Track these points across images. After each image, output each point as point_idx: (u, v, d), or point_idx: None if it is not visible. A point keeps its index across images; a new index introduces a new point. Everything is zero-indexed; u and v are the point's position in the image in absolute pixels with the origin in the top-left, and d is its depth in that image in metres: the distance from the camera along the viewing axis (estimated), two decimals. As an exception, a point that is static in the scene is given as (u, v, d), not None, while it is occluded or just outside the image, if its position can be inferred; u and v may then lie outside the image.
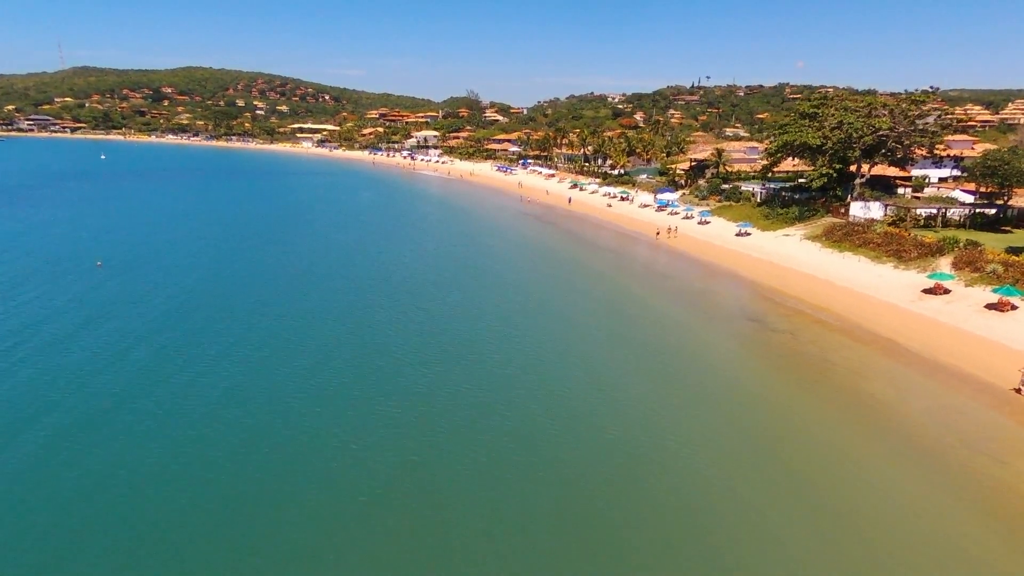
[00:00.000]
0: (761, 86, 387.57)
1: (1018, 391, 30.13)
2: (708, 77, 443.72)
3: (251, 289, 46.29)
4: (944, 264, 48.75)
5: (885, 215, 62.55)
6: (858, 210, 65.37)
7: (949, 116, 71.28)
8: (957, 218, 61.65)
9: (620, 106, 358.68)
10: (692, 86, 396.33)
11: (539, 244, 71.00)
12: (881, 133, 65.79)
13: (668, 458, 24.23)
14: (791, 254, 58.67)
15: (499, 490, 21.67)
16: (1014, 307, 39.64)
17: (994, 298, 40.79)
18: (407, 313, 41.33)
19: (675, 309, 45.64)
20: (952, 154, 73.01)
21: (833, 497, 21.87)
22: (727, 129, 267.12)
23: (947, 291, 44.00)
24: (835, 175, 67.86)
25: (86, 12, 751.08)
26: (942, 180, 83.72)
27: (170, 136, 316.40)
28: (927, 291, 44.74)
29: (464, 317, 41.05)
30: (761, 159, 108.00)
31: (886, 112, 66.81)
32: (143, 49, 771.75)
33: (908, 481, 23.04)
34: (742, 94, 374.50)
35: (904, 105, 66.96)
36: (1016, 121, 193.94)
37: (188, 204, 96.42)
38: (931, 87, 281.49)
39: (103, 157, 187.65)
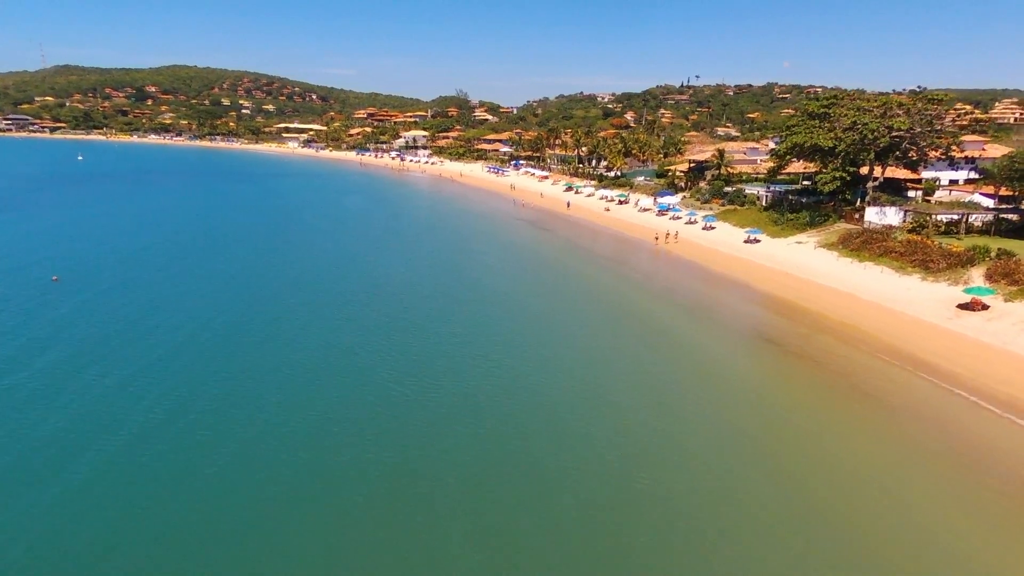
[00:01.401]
0: (750, 85, 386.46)
1: None
2: (697, 76, 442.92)
3: (224, 306, 41.78)
4: (976, 276, 45.12)
5: (904, 221, 58.94)
6: (873, 216, 61.72)
7: (969, 116, 67.79)
8: (979, 224, 58.17)
9: (610, 106, 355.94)
10: (682, 85, 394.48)
11: (536, 253, 66.87)
12: (896, 134, 62.28)
13: (679, 506, 20.96)
14: (807, 264, 54.89)
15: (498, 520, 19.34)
16: (1065, 326, 36.01)
17: (1041, 316, 37.22)
18: (398, 330, 37.12)
19: (684, 327, 41.62)
20: (966, 155, 69.53)
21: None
22: (718, 129, 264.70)
23: (986, 307, 40.31)
24: (848, 178, 64.22)
25: (68, 10, 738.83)
26: (952, 182, 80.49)
27: (153, 136, 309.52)
28: (963, 307, 41.03)
29: (459, 337, 36.83)
30: (764, 161, 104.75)
31: (902, 112, 63.26)
32: (127, 48, 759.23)
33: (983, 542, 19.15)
34: (731, 93, 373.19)
35: (920, 104, 63.46)
36: (1006, 121, 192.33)
37: (165, 209, 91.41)
38: (918, 87, 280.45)
39: (80, 158, 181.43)
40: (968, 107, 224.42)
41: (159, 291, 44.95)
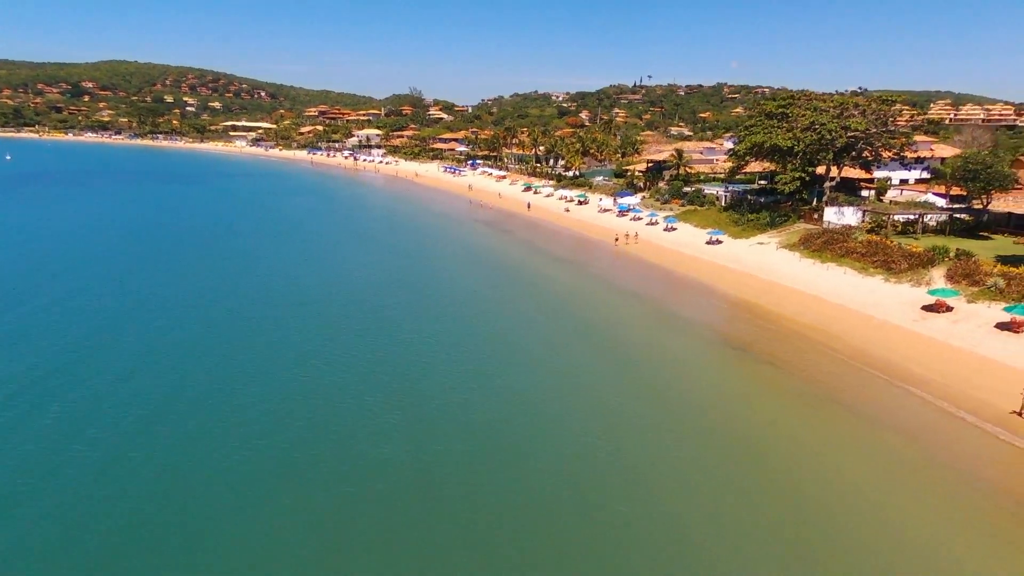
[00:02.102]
0: (700, 86, 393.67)
1: (1019, 413, 27.60)
2: (650, 76, 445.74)
3: (158, 323, 38.44)
4: (937, 276, 45.28)
5: (863, 221, 59.28)
6: (832, 216, 61.96)
7: (922, 117, 68.88)
8: (934, 224, 58.98)
9: (565, 105, 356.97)
10: (634, 85, 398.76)
11: (496, 257, 64.85)
12: (853, 134, 62.70)
13: (645, 528, 19.87)
14: (770, 265, 54.48)
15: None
16: (1030, 327, 36.05)
17: (1005, 317, 37.23)
18: (353, 345, 34.64)
19: (650, 334, 40.24)
20: (918, 155, 70.72)
21: None
22: (672, 128, 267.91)
23: (950, 308, 40.27)
24: (808, 179, 64.38)
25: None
26: (903, 182, 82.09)
27: (89, 134, 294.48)
28: (928, 308, 40.94)
29: (416, 350, 34.57)
30: (721, 160, 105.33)
31: (857, 112, 63.76)
32: (61, 42, 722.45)
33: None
34: (683, 93, 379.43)
35: (875, 105, 64.07)
36: (941, 121, 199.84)
37: (97, 214, 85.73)
38: (859, 88, 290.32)
39: (8, 158, 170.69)
40: (907, 108, 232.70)
41: (88, 312, 41.20)
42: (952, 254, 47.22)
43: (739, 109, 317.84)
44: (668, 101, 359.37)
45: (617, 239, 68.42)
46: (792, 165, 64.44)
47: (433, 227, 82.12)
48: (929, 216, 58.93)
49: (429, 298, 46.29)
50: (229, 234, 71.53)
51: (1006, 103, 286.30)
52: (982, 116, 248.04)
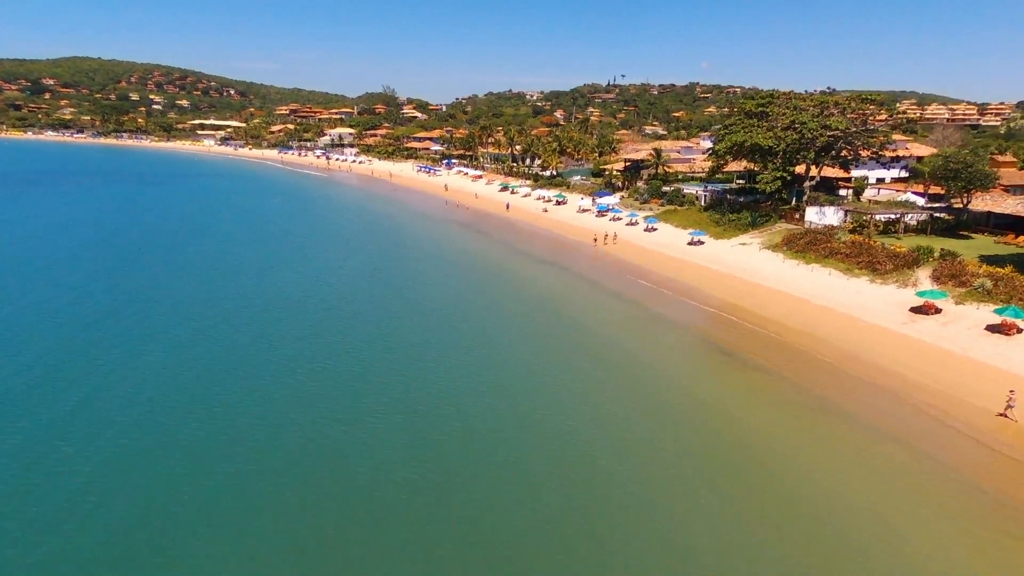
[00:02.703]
0: (673, 85, 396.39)
1: (1003, 415, 27.52)
2: (623, 76, 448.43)
3: (120, 335, 35.98)
4: (923, 277, 44.76)
5: (845, 221, 58.80)
6: (813, 216, 61.47)
7: (900, 116, 68.82)
8: (915, 223, 58.71)
9: (539, 104, 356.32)
10: (608, 84, 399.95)
11: (475, 259, 63.08)
12: (833, 133, 62.24)
13: (635, 540, 18.59)
14: (754, 267, 53.59)
15: None
16: (1020, 330, 35.47)
17: (995, 319, 36.68)
18: (324, 350, 32.68)
19: (634, 340, 38.87)
20: (896, 154, 70.71)
21: None
22: (646, 127, 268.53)
23: (939, 310, 39.66)
24: (788, 178, 63.77)
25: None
26: (879, 181, 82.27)
27: (50, 132, 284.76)
28: (916, 310, 40.27)
29: (394, 358, 32.71)
30: (698, 159, 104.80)
31: (837, 111, 63.34)
32: (21, 37, 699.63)
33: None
34: (656, 92, 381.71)
35: (854, 104, 63.71)
36: (916, 119, 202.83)
37: (53, 217, 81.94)
38: (828, 88, 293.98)
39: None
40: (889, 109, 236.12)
41: (37, 330, 38.48)
42: (937, 254, 46.80)
43: (712, 108, 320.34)
44: (642, 100, 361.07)
45: (596, 240, 67.27)
46: (773, 165, 63.74)
47: (409, 229, 80.00)
48: (910, 215, 58.64)
49: (410, 304, 44.42)
50: (195, 237, 68.60)
51: (969, 103, 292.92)
52: (947, 116, 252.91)
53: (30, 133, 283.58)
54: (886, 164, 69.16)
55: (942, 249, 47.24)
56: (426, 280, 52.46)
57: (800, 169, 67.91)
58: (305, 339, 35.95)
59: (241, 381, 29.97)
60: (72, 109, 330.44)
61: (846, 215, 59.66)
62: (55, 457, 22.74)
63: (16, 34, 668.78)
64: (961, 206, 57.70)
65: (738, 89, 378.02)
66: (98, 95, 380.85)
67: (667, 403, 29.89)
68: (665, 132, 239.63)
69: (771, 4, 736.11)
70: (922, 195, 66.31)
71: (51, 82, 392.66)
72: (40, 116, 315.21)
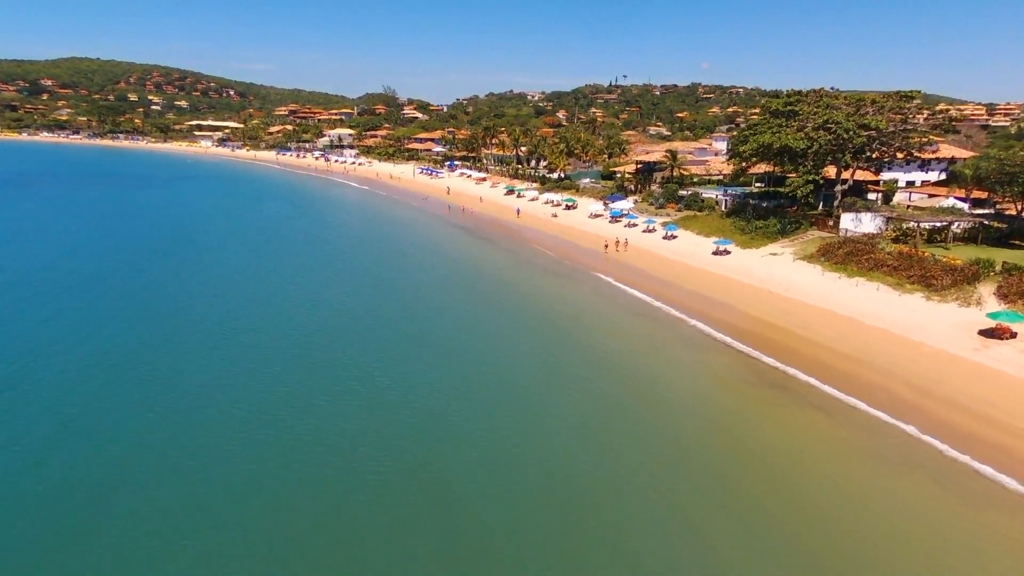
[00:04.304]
0: (675, 85, 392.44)
1: None
2: (625, 76, 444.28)
3: (103, 350, 31.27)
4: (986, 294, 39.97)
5: (886, 229, 53.99)
6: (849, 223, 56.68)
7: (942, 115, 64.04)
8: (960, 231, 53.84)
9: (541, 104, 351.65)
10: (610, 85, 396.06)
11: (482, 271, 58.44)
12: (869, 133, 57.44)
13: None
14: (790, 280, 48.74)
15: None
16: (1119, 361, 30.69)
17: (1086, 347, 31.90)
18: (329, 383, 28.06)
19: (670, 370, 34.19)
20: (936, 156, 65.80)
21: None
22: (650, 128, 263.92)
23: (1014, 334, 34.87)
24: (821, 182, 58.98)
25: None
26: (909, 184, 77.48)
27: (45, 134, 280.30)
28: (986, 333, 35.51)
29: (402, 392, 28.02)
30: (718, 162, 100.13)
31: (873, 109, 58.57)
32: (20, 37, 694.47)
33: None
34: (658, 93, 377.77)
35: (892, 102, 58.92)
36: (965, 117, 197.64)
37: (38, 221, 77.32)
38: (832, 88, 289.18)
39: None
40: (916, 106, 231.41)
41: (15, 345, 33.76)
42: (998, 268, 42.02)
43: (716, 109, 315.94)
44: (644, 101, 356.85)
45: (607, 246, 62.87)
46: (804, 168, 58.91)
47: (413, 237, 75.28)
48: (956, 223, 53.73)
49: (418, 320, 39.69)
50: (184, 245, 63.95)
51: (976, 104, 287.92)
52: (954, 116, 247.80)
53: (25, 134, 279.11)
54: (924, 166, 64.29)
55: (1004, 262, 42.45)
56: (432, 300, 47.72)
57: (829, 172, 63.21)
58: (310, 361, 31.24)
59: (221, 424, 25.26)
60: (69, 110, 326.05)
61: (886, 222, 54.81)
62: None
63: (14, 35, 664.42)
64: (1015, 212, 52.79)
65: (741, 89, 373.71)
66: (96, 96, 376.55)
67: (711, 451, 25.23)
68: (669, 133, 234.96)
69: (772, 4, 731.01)
70: (963, 200, 61.45)
71: (49, 83, 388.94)
72: (36, 117, 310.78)
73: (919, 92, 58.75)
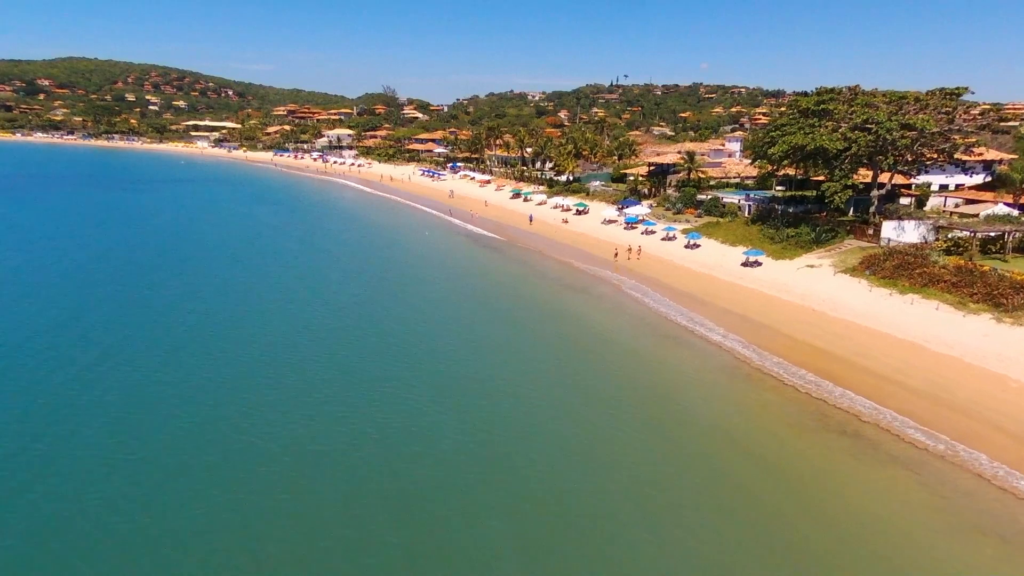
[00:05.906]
0: (677, 85, 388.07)
1: None
2: (626, 76, 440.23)
3: (88, 366, 26.61)
4: (1067, 316, 35.27)
5: (936, 239, 49.29)
6: (891, 231, 52.00)
7: (992, 115, 59.37)
8: (1015, 241, 49.10)
9: (543, 104, 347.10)
10: (611, 84, 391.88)
11: (491, 284, 53.85)
12: (912, 134, 52.70)
13: None
14: (834, 297, 44.01)
15: None
16: None
17: None
18: (333, 407, 23.45)
19: (718, 408, 29.64)
20: (983, 158, 61.13)
21: None
22: (653, 128, 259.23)
23: (1112, 367, 30.18)
24: (860, 187, 54.25)
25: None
26: (943, 187, 72.79)
27: (39, 134, 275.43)
28: (1079, 365, 30.81)
29: (408, 418, 23.39)
30: (736, 164, 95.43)
31: (916, 108, 53.88)
32: (17, 38, 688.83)
33: None
34: (660, 93, 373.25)
35: (936, 100, 54.24)
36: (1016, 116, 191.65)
37: (25, 227, 72.71)
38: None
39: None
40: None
41: None
42: (1075, 286, 37.34)
43: (719, 109, 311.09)
44: (646, 101, 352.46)
45: (617, 254, 58.57)
46: (840, 171, 54.18)
47: (415, 245, 70.64)
48: (1013, 232, 48.93)
49: (428, 337, 35.01)
50: (170, 258, 59.36)
51: (984, 104, 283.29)
52: (1005, 116, 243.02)
53: (18, 135, 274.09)
54: (968, 169, 59.60)
55: (1081, 279, 37.79)
56: (442, 321, 43.10)
57: (862, 175, 58.54)
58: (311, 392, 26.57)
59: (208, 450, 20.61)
60: (64, 110, 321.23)
61: (935, 231, 50.12)
62: None
63: (12, 35, 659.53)
64: (1077, 221, 48.18)
65: (743, 89, 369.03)
66: (93, 96, 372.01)
67: (788, 527, 20.47)
68: (673, 133, 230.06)
69: (772, 4, 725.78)
70: (1012, 205, 56.73)
71: (46, 83, 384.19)
72: (31, 117, 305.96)
73: (965, 88, 54.00)
